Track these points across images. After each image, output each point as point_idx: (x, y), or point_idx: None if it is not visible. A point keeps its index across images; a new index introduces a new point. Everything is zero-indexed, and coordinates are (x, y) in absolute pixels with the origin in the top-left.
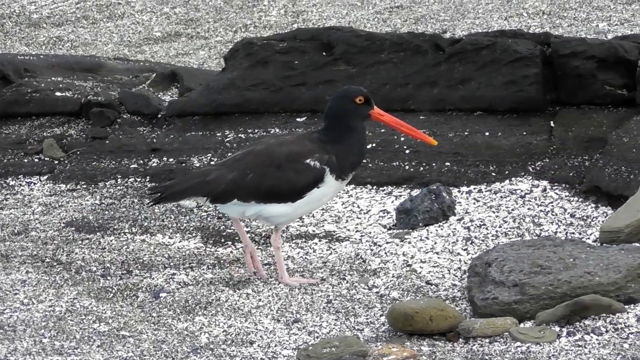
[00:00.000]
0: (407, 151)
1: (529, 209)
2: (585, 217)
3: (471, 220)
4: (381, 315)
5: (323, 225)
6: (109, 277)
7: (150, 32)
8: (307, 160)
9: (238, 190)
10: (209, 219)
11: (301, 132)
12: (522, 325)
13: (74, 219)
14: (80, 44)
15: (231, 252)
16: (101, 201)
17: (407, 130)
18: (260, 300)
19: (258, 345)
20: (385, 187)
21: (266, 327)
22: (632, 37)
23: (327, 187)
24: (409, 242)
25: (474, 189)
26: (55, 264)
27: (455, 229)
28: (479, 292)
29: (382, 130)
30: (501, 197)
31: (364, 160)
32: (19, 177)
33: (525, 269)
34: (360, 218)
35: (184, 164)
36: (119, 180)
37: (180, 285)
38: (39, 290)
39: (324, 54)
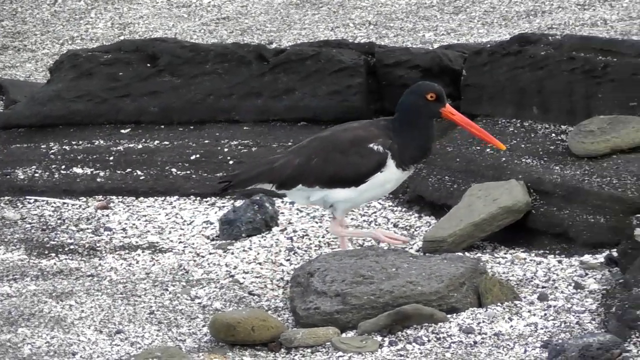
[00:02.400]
0: (231, 162)
1: (352, 218)
2: (408, 227)
3: (294, 231)
4: (204, 326)
5: (146, 237)
6: None
7: None
8: (371, 145)
9: (303, 175)
10: (32, 230)
11: (368, 120)
12: (344, 335)
13: None
14: None
15: (55, 263)
16: None
17: (477, 132)
18: (83, 311)
19: (80, 357)
20: (209, 198)
21: (89, 339)
22: (457, 47)
23: (389, 172)
24: (232, 253)
25: None
26: None
27: (278, 239)
28: (301, 302)
29: (206, 142)
30: None
31: (428, 156)
32: None
33: (347, 278)
34: (183, 229)
35: (8, 176)
36: None
37: (3, 297)
38: None
39: (149, 65)
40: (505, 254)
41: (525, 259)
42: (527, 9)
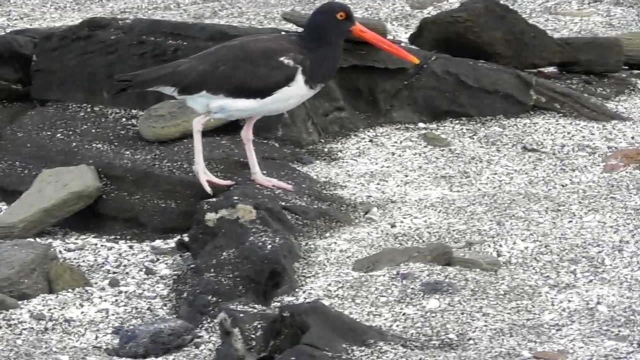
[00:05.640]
0: None
1: None
2: None
3: None
4: None
5: None
6: None
7: None
8: (282, 58)
9: (208, 81)
10: None
11: (277, 34)
12: None
13: None
14: None
15: None
16: None
17: (389, 47)
18: None
19: None
20: None
21: None
22: (28, 32)
23: (296, 88)
24: None
25: None
26: None
27: None
28: None
29: None
30: None
31: (332, 77)
32: None
33: None
34: None
35: None
36: None
37: None
38: None
39: None
40: (76, 239)
41: (96, 244)
42: None
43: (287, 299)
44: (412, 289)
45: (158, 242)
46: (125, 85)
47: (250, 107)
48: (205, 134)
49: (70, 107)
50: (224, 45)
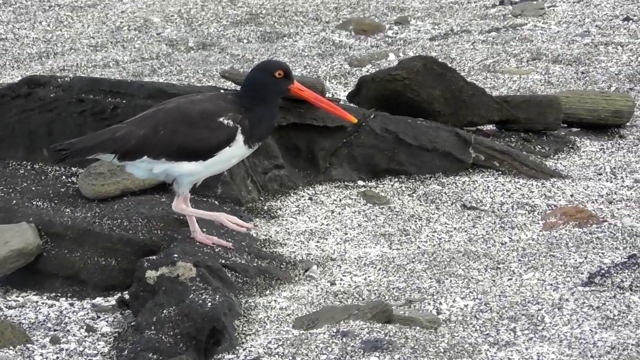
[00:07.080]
0: None
1: None
2: None
3: None
4: None
5: None
6: None
7: None
8: (221, 119)
9: (149, 146)
10: None
11: (213, 93)
12: None
13: None
14: None
15: None
16: None
17: (327, 106)
18: None
19: None
20: None
21: None
22: None
23: (236, 147)
24: None
25: None
26: None
27: None
28: None
29: None
30: None
31: (270, 135)
32: None
33: None
34: None
35: None
36: None
37: None
38: None
39: None
40: (17, 296)
41: (37, 301)
42: (40, 50)
43: (228, 356)
44: (353, 346)
45: (99, 300)
46: (63, 155)
47: (194, 170)
48: (145, 191)
49: (10, 164)
50: (161, 109)
